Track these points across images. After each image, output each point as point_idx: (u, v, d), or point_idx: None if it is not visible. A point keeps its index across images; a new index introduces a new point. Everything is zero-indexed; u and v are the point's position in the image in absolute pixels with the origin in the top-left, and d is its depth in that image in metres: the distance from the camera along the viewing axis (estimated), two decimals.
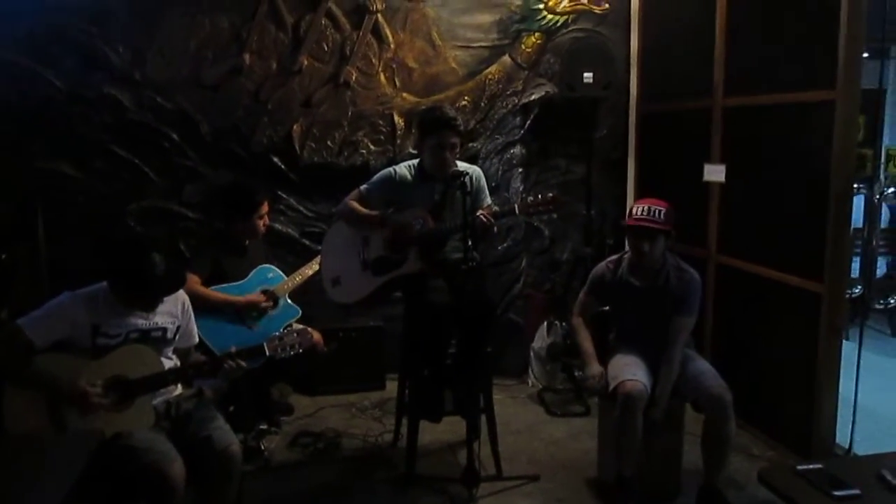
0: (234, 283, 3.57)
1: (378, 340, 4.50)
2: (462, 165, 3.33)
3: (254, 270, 3.65)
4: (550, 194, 3.22)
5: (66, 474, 1.90)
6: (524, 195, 4.64)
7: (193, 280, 3.37)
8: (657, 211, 3.09)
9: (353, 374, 4.46)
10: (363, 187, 3.45)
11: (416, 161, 3.45)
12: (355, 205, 3.42)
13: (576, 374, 4.34)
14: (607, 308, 3.44)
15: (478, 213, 3.18)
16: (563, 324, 4.34)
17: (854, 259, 5.46)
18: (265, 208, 3.72)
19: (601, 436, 3.39)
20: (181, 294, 2.79)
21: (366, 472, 3.51)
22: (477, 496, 3.15)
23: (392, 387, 4.14)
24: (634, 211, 3.14)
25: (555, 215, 4.71)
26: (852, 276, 5.29)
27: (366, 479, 3.45)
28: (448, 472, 3.41)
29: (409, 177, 3.41)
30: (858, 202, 5.26)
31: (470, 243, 3.05)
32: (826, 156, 3.29)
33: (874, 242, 5.61)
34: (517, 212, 3.26)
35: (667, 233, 3.11)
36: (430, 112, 3.42)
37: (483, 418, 3.34)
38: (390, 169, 3.48)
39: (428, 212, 3.30)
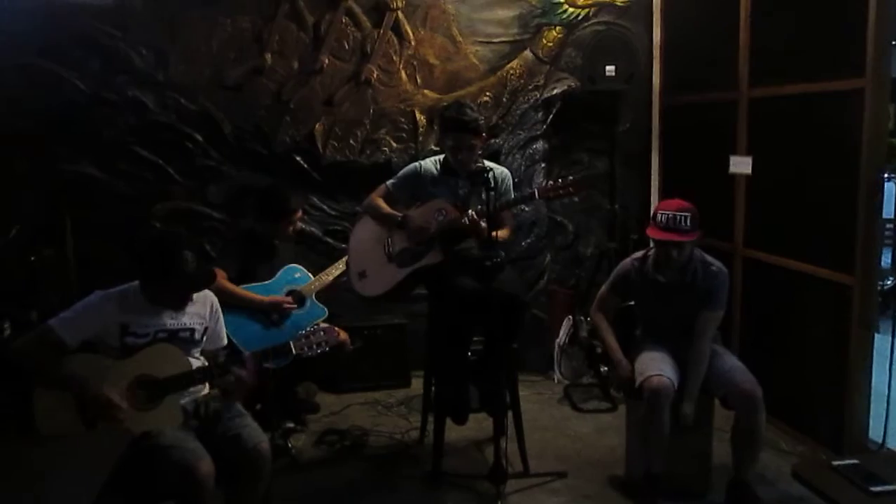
0: (261, 283, 3.59)
1: (403, 338, 4.50)
2: (490, 166, 3.28)
3: (281, 270, 3.67)
4: (571, 177, 3.15)
5: (95, 474, 1.91)
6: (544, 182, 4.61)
7: (220, 274, 3.39)
8: (683, 218, 3.01)
9: (379, 372, 4.48)
10: (389, 182, 3.46)
11: (442, 156, 3.43)
12: (380, 202, 3.42)
13: (602, 369, 4.32)
14: (632, 303, 3.41)
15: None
16: (588, 319, 4.30)
17: (886, 250, 5.36)
18: (297, 216, 3.74)
19: (629, 432, 3.36)
20: (210, 295, 2.80)
21: (392, 470, 3.51)
22: (504, 493, 3.14)
23: (417, 384, 4.14)
24: (659, 218, 3.05)
25: (576, 199, 4.71)
26: (884, 266, 5.20)
27: (392, 476, 3.45)
28: (475, 469, 3.41)
29: (434, 171, 3.40)
30: (889, 192, 5.17)
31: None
32: (856, 145, 3.24)
33: None
34: (537, 196, 3.21)
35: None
36: (448, 111, 3.37)
37: (509, 415, 3.32)
38: (416, 164, 3.48)
39: (452, 205, 3.29)
